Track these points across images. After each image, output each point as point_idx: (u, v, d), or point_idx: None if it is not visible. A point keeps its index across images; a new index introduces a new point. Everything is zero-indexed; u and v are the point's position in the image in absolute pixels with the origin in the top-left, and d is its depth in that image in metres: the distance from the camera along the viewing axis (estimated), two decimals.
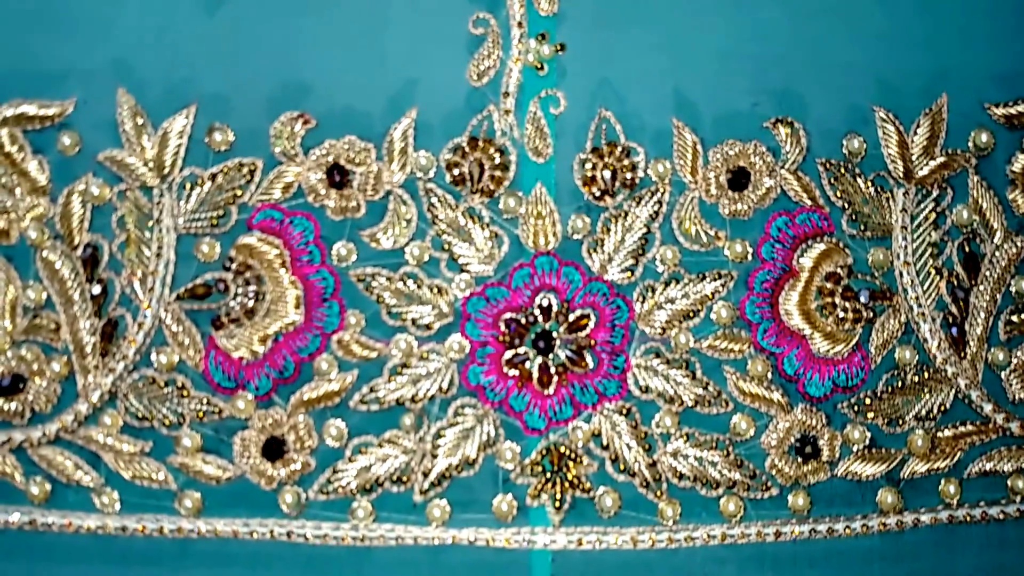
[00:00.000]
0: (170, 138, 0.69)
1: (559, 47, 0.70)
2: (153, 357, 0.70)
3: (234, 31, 0.68)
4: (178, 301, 0.70)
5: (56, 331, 0.71)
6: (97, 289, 0.71)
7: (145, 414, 0.70)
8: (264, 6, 0.68)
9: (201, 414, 0.70)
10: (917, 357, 0.72)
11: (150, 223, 0.70)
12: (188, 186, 0.70)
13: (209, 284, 0.70)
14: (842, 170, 0.70)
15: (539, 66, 0.70)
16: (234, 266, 0.70)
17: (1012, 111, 0.71)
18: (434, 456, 0.70)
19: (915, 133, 0.71)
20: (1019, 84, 0.71)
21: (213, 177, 0.70)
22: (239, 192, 0.70)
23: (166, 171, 0.69)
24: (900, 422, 0.72)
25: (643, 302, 0.70)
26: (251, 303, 0.70)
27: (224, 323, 0.71)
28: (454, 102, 0.69)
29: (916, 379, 0.72)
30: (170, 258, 0.70)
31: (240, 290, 0.70)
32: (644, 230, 0.70)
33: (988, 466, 0.73)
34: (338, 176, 0.69)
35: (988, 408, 0.72)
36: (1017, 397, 0.72)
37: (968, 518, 0.73)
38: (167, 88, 0.69)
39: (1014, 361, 0.72)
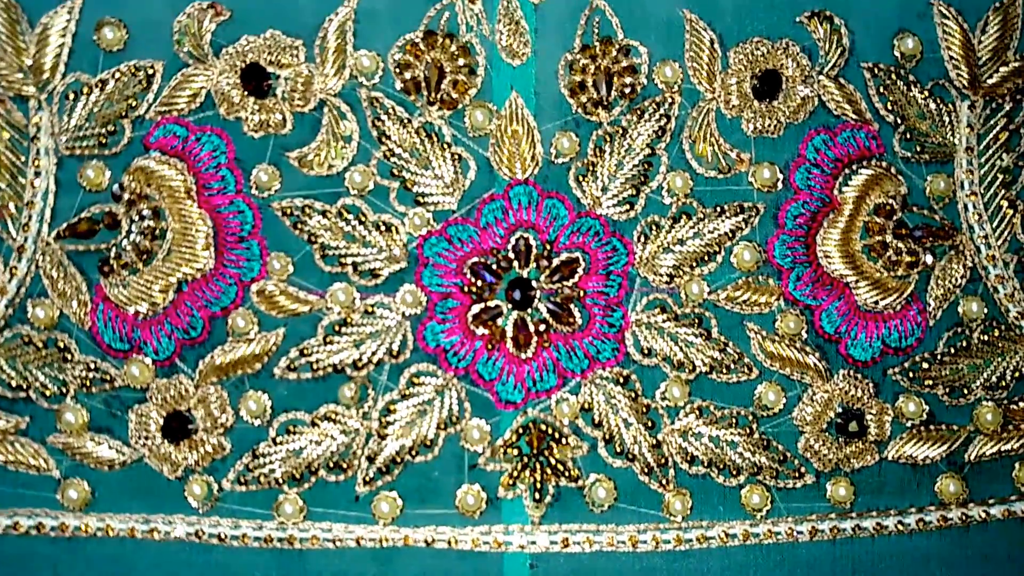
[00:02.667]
0: (50, 36, 0.60)
1: None
2: (29, 311, 0.60)
3: None
4: (59, 241, 0.59)
5: None
6: None
7: (20, 382, 0.60)
8: None
9: (88, 382, 0.60)
10: (986, 311, 0.63)
11: (25, 143, 0.59)
12: (72, 96, 0.60)
13: (95, 219, 0.59)
14: (893, 77, 0.61)
15: None
16: (126, 196, 0.59)
17: None
18: (382, 437, 0.60)
19: (983, 32, 0.62)
20: None
21: (102, 84, 0.59)
22: (134, 102, 0.60)
23: (45, 77, 0.60)
24: (965, 392, 0.63)
25: (645, 243, 0.60)
26: (147, 243, 0.59)
27: (114, 268, 0.59)
28: None
29: (985, 338, 0.63)
30: (49, 186, 0.59)
31: (134, 226, 0.59)
32: (647, 152, 0.60)
33: None
34: (257, 81, 0.58)
35: None
36: None
37: None
38: None
39: None
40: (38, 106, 0.58)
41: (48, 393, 0.59)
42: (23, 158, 0.58)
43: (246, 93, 0.58)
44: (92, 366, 0.59)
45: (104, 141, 0.58)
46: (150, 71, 0.59)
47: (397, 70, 0.58)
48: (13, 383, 0.59)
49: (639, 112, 0.59)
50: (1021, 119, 0.62)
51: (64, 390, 0.59)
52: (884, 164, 0.60)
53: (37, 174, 0.58)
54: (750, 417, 0.60)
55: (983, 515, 0.61)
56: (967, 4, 0.61)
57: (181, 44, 0.58)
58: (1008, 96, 0.61)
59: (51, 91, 0.59)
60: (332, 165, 0.58)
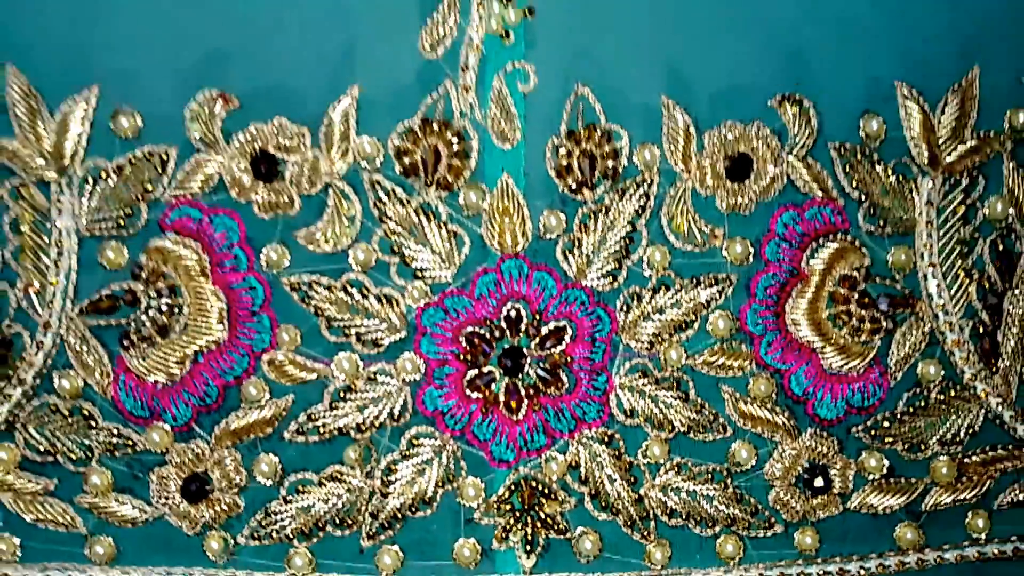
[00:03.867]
0: (69, 124, 0.59)
1: (527, 11, 0.59)
2: (55, 382, 0.61)
3: None
4: (81, 316, 0.60)
5: None
6: None
7: (48, 447, 0.61)
8: None
9: (112, 447, 0.61)
10: (943, 373, 0.63)
11: (47, 225, 0.60)
12: (91, 180, 0.60)
13: (116, 296, 0.60)
14: (858, 156, 0.61)
15: (504, 34, 0.59)
16: (144, 274, 0.60)
17: None
18: (384, 495, 0.61)
19: (942, 112, 0.61)
20: None
21: (119, 169, 0.60)
22: (149, 186, 0.60)
23: (65, 163, 0.60)
24: (922, 447, 0.64)
25: (627, 312, 0.61)
26: (165, 318, 0.60)
27: (134, 342, 0.60)
28: (404, 77, 0.59)
29: (941, 398, 0.63)
30: (71, 266, 0.60)
31: (152, 303, 0.60)
32: (628, 228, 0.61)
33: (1021, 496, 0.65)
34: (266, 166, 0.59)
35: (1022, 430, 0.64)
36: None
37: (998, 555, 0.65)
38: (65, 65, 0.59)
39: None
40: (59, 190, 0.59)
41: (74, 457, 0.60)
42: (46, 239, 0.59)
43: (256, 177, 0.58)
44: (115, 432, 0.60)
45: (122, 223, 0.59)
46: (164, 156, 0.58)
47: (397, 155, 0.58)
48: (42, 448, 0.60)
49: (621, 191, 0.59)
50: (978, 193, 0.62)
51: (89, 454, 0.60)
52: (849, 238, 0.61)
53: (60, 254, 0.59)
54: (725, 473, 0.62)
55: (938, 559, 0.63)
56: (929, 85, 0.60)
57: (193, 130, 0.58)
58: (965, 172, 0.61)
59: (71, 175, 0.59)
60: (337, 243, 0.59)
